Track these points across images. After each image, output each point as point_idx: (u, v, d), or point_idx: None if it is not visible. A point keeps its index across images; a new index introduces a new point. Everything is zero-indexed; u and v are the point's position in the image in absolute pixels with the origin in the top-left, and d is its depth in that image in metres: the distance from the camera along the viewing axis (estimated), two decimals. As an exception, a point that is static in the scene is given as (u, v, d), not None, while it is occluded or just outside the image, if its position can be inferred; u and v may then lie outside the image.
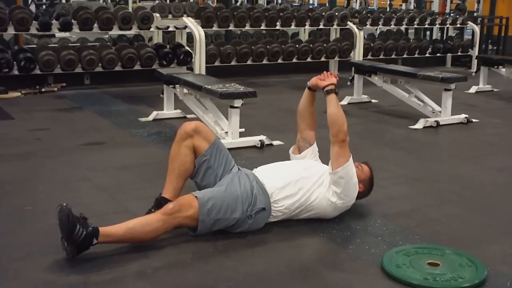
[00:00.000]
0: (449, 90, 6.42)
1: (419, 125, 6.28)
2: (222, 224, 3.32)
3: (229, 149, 3.87)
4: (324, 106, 3.61)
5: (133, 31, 8.45)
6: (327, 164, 3.61)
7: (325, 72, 3.82)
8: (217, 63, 8.72)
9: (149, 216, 3.23)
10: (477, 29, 11.06)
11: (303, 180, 3.50)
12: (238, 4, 13.98)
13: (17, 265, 2.99)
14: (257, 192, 3.41)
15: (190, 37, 8.41)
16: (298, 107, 3.93)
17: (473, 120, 6.59)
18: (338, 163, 3.48)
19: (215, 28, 8.74)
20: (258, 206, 3.40)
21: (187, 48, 8.34)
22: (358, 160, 3.75)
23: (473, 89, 8.61)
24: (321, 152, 3.90)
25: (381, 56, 10.23)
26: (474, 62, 10.70)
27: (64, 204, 2.99)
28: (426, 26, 11.16)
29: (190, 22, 8.16)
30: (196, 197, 3.26)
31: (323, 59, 9.64)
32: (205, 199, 3.26)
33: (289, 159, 3.94)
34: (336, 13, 9.74)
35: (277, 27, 9.41)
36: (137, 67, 8.03)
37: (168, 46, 8.46)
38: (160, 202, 3.40)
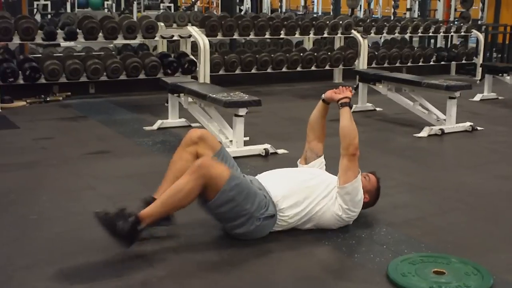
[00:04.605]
0: (454, 98, 6.42)
1: (424, 133, 6.27)
2: (233, 210, 3.28)
3: (234, 157, 3.86)
4: (332, 115, 3.61)
5: (138, 40, 8.49)
6: (335, 175, 3.60)
7: (340, 86, 3.86)
8: (221, 72, 8.75)
9: (178, 181, 3.23)
10: (481, 37, 11.07)
11: (309, 189, 3.49)
12: (242, 13, 14.02)
13: (22, 274, 2.99)
14: (269, 198, 3.42)
15: (195, 46, 8.43)
16: (310, 118, 3.95)
17: (478, 128, 6.58)
18: (347, 177, 3.48)
19: (219, 37, 8.76)
20: (269, 212, 3.39)
21: (192, 57, 8.36)
22: (365, 169, 3.75)
23: (477, 97, 8.61)
24: (327, 160, 3.90)
25: (386, 65, 10.24)
26: (479, 70, 10.70)
27: (98, 211, 3.11)
28: (431, 34, 11.17)
29: (195, 31, 8.18)
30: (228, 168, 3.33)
31: (327, 67, 9.66)
32: (236, 175, 3.31)
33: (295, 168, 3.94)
34: (340, 22, 9.75)
35: (281, 36, 9.43)
36: (141, 76, 8.05)
37: (172, 55, 8.48)
38: (149, 202, 3.36)
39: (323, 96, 3.90)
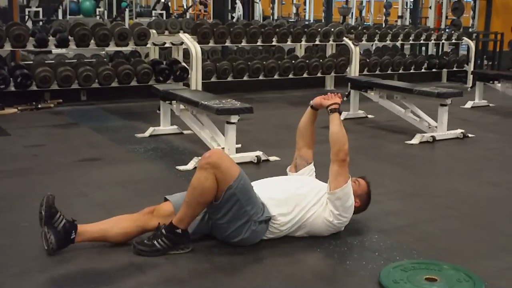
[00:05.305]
0: (445, 105, 6.44)
1: (415, 140, 6.28)
2: (234, 209, 3.27)
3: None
4: (323, 122, 3.62)
5: (130, 47, 8.48)
6: (325, 182, 3.61)
7: (329, 93, 3.87)
8: (213, 79, 8.75)
9: (192, 181, 3.24)
10: (472, 44, 11.12)
11: (299, 197, 3.49)
12: (234, 20, 14.04)
13: (13, 282, 2.97)
14: (265, 204, 3.43)
15: (187, 53, 8.43)
16: (299, 125, 3.95)
17: (469, 135, 6.60)
18: (337, 183, 3.47)
19: (211, 44, 8.77)
20: (266, 214, 3.39)
21: (184, 64, 8.36)
22: (356, 176, 3.76)
23: (468, 104, 8.64)
24: (317, 167, 3.91)
25: (377, 72, 10.26)
26: (470, 77, 10.75)
27: (134, 244, 3.26)
28: (422, 41, 11.22)
29: (187, 38, 8.18)
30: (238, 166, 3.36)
31: (319, 74, 9.69)
32: (244, 175, 3.32)
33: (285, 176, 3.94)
34: (332, 29, 9.78)
35: (273, 43, 9.45)
36: (133, 83, 8.05)
37: (164, 62, 8.48)
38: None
39: (311, 102, 3.90)
